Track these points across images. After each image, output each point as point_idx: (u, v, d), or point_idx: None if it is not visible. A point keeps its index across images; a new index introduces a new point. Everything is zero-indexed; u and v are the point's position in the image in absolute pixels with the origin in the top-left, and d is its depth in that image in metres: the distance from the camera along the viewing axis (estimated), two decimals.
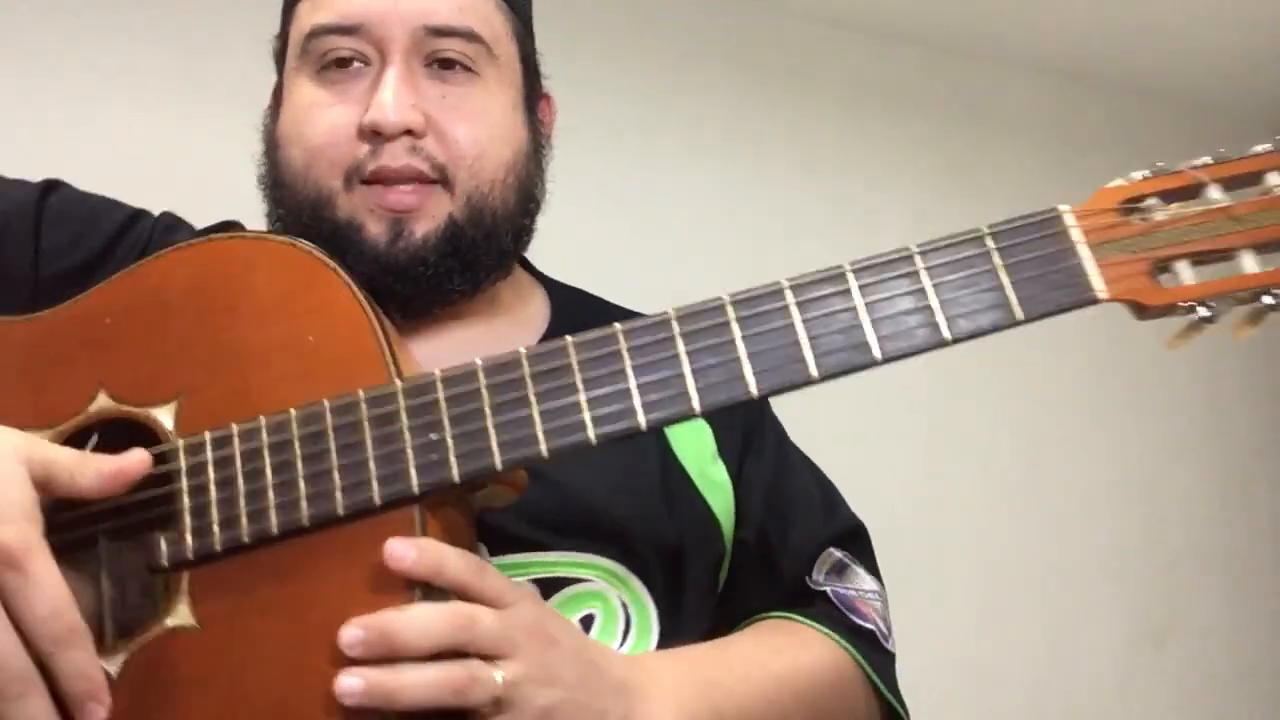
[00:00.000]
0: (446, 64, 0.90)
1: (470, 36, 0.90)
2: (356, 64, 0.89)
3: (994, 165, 2.71)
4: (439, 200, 0.89)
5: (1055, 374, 2.60)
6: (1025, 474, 2.63)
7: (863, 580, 0.95)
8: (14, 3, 1.99)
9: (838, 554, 0.95)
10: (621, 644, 0.84)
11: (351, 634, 0.64)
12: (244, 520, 0.71)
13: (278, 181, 0.92)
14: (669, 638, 0.86)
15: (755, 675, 0.83)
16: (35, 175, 0.97)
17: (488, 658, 0.67)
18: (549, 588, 0.83)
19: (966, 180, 2.66)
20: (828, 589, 0.92)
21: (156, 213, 0.99)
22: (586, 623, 0.84)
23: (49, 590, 0.63)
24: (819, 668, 0.87)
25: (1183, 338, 0.75)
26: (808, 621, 0.90)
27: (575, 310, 1.01)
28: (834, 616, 0.91)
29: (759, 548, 0.94)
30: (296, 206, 0.90)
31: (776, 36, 2.54)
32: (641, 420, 0.71)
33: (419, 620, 0.65)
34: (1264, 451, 2.95)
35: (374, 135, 0.87)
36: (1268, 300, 0.72)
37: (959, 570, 2.50)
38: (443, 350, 0.92)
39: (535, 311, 1.01)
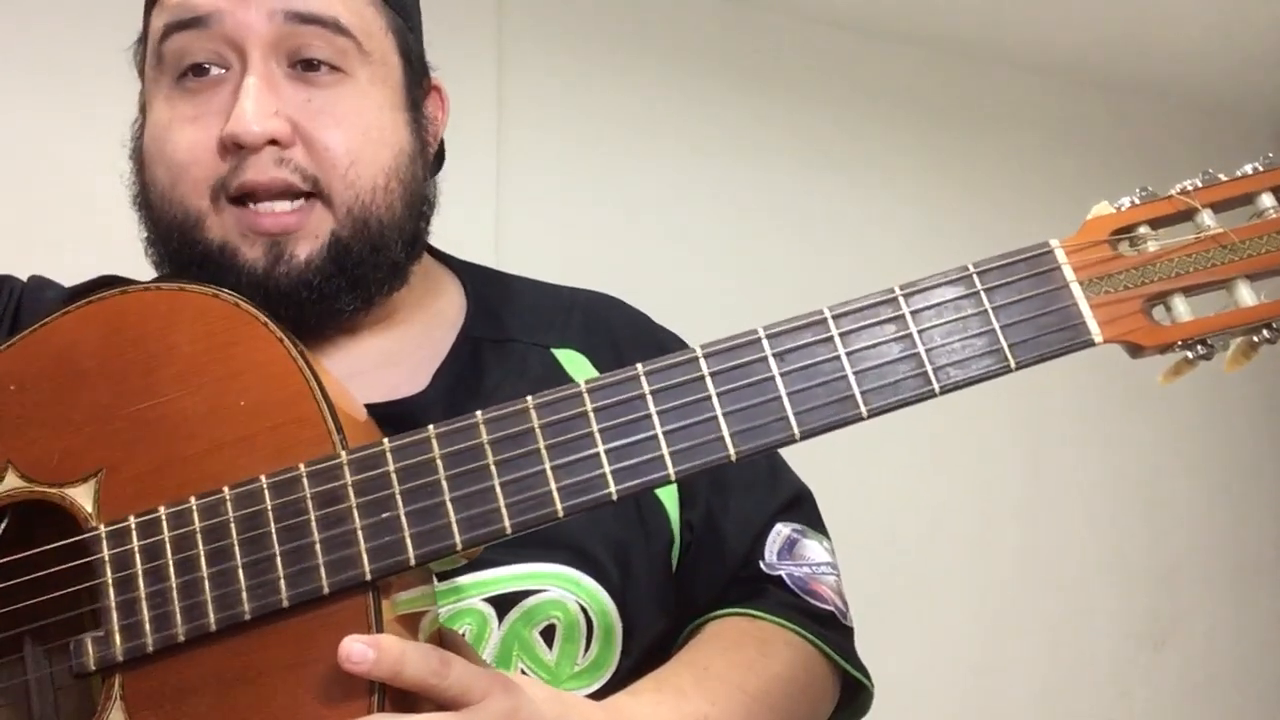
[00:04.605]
0: (311, 65, 0.83)
1: (336, 28, 0.83)
2: (215, 70, 0.83)
3: (995, 166, 2.66)
4: (319, 217, 0.83)
5: (1056, 376, 2.55)
6: (1027, 477, 2.61)
7: (814, 551, 0.93)
8: None
9: (787, 529, 0.93)
10: (586, 647, 0.82)
11: None
12: (178, 616, 0.64)
13: (147, 202, 0.86)
14: (633, 631, 0.85)
15: (737, 700, 0.81)
16: None
17: None
18: (505, 603, 0.81)
19: (969, 181, 2.62)
20: (783, 573, 0.90)
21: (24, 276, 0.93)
22: (548, 633, 0.81)
23: None
24: (789, 674, 0.85)
25: (1176, 373, 0.72)
26: (770, 617, 0.88)
27: (491, 296, 0.96)
28: (793, 605, 0.89)
29: (706, 526, 0.92)
30: (166, 229, 0.84)
31: (777, 36, 2.48)
32: (613, 489, 0.65)
33: None
34: (1264, 453, 2.94)
35: (236, 148, 0.81)
36: (1265, 334, 0.69)
37: (960, 572, 2.49)
38: (343, 368, 0.85)
39: (448, 304, 0.95)
